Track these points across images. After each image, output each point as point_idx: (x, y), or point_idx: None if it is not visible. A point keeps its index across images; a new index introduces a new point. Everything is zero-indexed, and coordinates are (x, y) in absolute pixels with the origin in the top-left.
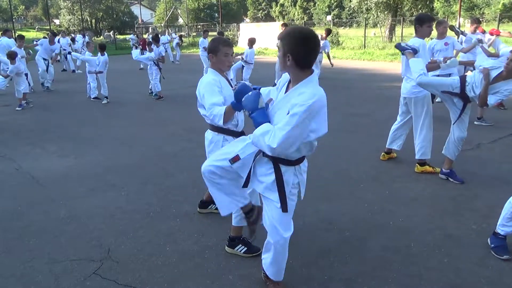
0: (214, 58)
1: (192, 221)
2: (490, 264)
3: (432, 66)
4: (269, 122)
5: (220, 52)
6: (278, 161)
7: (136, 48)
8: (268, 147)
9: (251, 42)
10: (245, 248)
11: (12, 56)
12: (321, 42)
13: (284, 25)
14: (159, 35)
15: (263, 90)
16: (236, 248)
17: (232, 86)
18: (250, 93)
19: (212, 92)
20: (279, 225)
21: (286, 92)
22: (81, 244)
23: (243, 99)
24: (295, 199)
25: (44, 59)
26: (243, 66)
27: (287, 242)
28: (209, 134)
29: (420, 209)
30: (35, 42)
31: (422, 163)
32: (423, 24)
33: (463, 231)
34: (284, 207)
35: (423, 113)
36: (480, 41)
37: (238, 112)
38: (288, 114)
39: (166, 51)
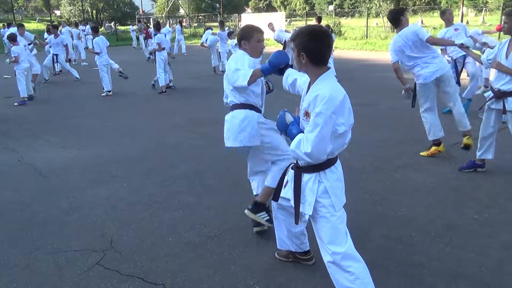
0: (246, 44)
1: (195, 212)
2: (491, 254)
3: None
4: (303, 131)
5: (254, 38)
6: (301, 170)
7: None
8: (305, 155)
9: None
10: (268, 217)
11: (12, 38)
12: None
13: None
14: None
15: (287, 71)
16: (259, 214)
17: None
18: (278, 117)
19: (242, 63)
20: (323, 238)
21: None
22: (84, 235)
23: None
24: (331, 212)
25: (54, 54)
26: None
27: (342, 260)
28: (239, 113)
29: (422, 199)
30: (46, 41)
31: (437, 143)
32: (400, 15)
33: (464, 221)
34: (296, 213)
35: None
36: (484, 44)
37: (265, 75)
38: (312, 115)
39: None
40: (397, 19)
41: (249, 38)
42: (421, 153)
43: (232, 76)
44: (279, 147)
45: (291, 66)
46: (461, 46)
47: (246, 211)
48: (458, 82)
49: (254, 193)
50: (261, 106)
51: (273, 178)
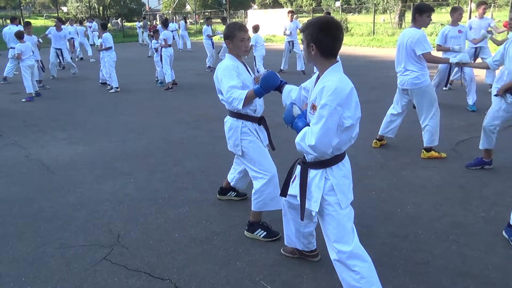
0: (230, 44)
1: (201, 208)
2: (497, 252)
3: (442, 60)
4: (309, 124)
5: (236, 37)
6: (308, 166)
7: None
8: (309, 148)
9: (255, 28)
10: (265, 233)
11: (20, 35)
12: None
13: (291, 12)
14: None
15: (287, 88)
16: (256, 233)
17: (249, 72)
18: (285, 110)
19: (230, 76)
20: (330, 236)
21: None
22: (91, 230)
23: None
24: (337, 210)
25: (57, 48)
26: (254, 57)
27: (347, 259)
28: (228, 121)
29: (428, 197)
30: (46, 33)
31: (428, 149)
32: (423, 13)
33: (471, 219)
34: (302, 209)
35: (427, 102)
36: (489, 32)
37: (259, 98)
38: (318, 107)
39: (173, 39)
40: (413, 15)
41: (233, 37)
42: (421, 156)
43: (228, 96)
44: (260, 163)
45: (286, 83)
46: (457, 64)
47: (245, 232)
48: (446, 84)
49: (228, 179)
50: (260, 109)
51: (254, 203)
